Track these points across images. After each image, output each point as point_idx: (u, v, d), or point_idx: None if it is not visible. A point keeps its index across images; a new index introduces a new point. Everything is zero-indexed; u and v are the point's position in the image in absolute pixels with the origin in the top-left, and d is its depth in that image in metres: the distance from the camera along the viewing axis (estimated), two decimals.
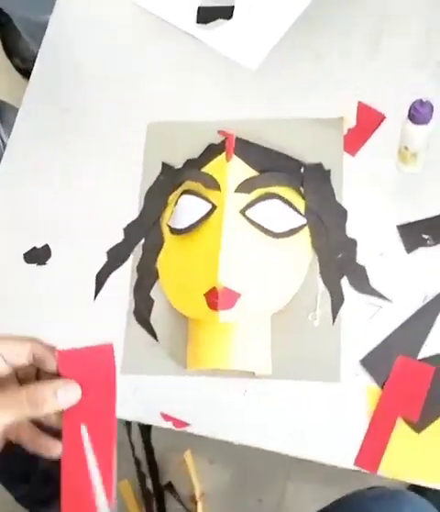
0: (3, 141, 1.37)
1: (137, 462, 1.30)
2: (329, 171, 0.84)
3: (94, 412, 0.51)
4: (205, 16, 0.98)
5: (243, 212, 0.78)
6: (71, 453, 0.50)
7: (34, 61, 1.68)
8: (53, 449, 0.53)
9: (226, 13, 0.98)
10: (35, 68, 0.98)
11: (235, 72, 0.92)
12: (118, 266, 0.85)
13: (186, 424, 0.78)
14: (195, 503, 1.30)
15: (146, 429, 1.30)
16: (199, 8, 0.98)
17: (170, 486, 1.32)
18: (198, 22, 0.98)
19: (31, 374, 0.55)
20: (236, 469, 1.34)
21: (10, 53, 1.78)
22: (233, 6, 0.97)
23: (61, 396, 0.50)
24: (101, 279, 0.85)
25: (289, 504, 1.35)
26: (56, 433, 0.53)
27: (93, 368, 0.51)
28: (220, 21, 0.97)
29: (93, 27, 0.99)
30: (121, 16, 0.99)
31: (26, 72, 1.74)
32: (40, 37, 1.03)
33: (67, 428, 0.51)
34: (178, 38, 0.95)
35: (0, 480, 1.18)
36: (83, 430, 0.50)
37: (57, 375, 0.52)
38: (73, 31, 1.00)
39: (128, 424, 1.31)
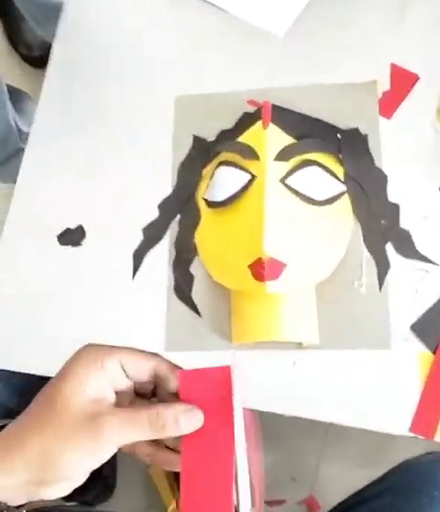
0: (19, 129, 1.36)
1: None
2: (366, 135, 0.82)
3: (212, 435, 0.49)
4: None
5: (283, 181, 0.76)
6: (189, 475, 0.49)
7: (41, 48, 1.67)
8: (176, 463, 0.52)
9: None
10: (54, 49, 0.96)
11: (261, 40, 0.90)
12: (155, 244, 0.83)
13: None
14: None
15: None
16: None
17: None
18: None
19: (148, 389, 0.55)
20: (271, 447, 1.33)
21: (15, 43, 1.76)
22: None
23: (183, 423, 0.49)
24: (138, 257, 0.83)
25: (322, 483, 1.34)
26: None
27: (213, 389, 0.50)
28: None
29: (112, 3, 0.97)
30: None
31: (33, 61, 1.72)
32: (50, 20, 1.01)
33: (185, 451, 0.50)
34: (201, 8, 0.93)
35: None
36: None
37: (175, 395, 0.52)
38: (92, 8, 0.97)
39: None
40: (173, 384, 0.52)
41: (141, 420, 0.48)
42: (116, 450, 0.48)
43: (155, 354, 0.53)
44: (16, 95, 1.46)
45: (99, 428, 0.47)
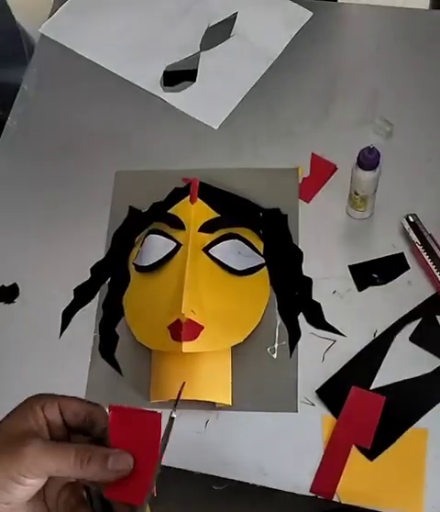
0: None
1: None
2: (286, 215, 0.90)
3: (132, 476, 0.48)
4: (171, 79, 1.06)
5: (206, 250, 0.83)
6: None
7: None
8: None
9: (190, 76, 1.06)
10: (8, 120, 1.04)
11: (199, 127, 0.99)
12: (84, 304, 0.88)
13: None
14: None
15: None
16: (165, 72, 1.06)
17: None
18: (165, 85, 1.06)
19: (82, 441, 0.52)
20: None
21: None
22: (196, 70, 1.06)
23: (111, 464, 0.47)
24: (67, 316, 0.88)
25: None
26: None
27: (141, 432, 0.50)
28: (185, 84, 1.06)
29: (68, 85, 1.06)
30: (94, 75, 1.06)
31: None
32: (4, 95, 1.08)
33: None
34: (148, 98, 1.03)
35: None
36: None
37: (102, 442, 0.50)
38: (48, 87, 1.06)
39: None
40: (101, 428, 0.51)
41: (67, 448, 0.47)
42: (38, 483, 0.47)
43: (96, 405, 0.52)
44: None
45: (24, 446, 0.46)
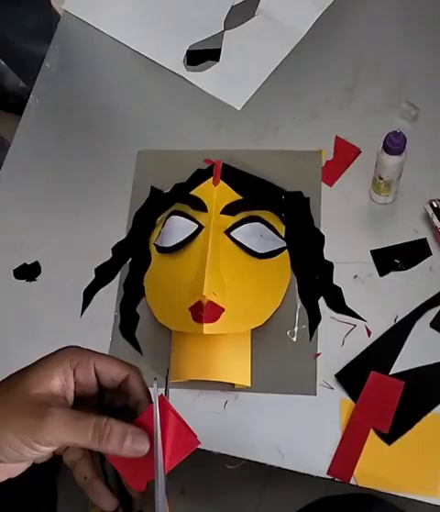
0: None
1: (110, 491, 1.30)
2: (308, 198, 0.90)
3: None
4: (194, 58, 1.05)
5: (228, 232, 0.83)
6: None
7: (19, 95, 1.73)
8: (104, 499, 0.51)
9: (214, 55, 1.05)
10: (30, 98, 1.04)
11: (221, 107, 0.99)
12: (105, 283, 0.89)
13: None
14: None
15: None
16: (188, 51, 1.05)
17: None
18: (188, 64, 1.05)
19: (116, 405, 0.52)
20: (207, 499, 1.35)
21: None
22: (220, 49, 1.05)
23: (128, 443, 0.47)
24: (88, 295, 0.88)
25: None
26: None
27: (171, 435, 0.49)
28: (208, 63, 1.05)
29: (90, 63, 1.06)
30: (116, 53, 1.05)
31: (8, 107, 1.78)
32: (31, 69, 1.08)
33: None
34: (168, 76, 1.02)
35: None
36: None
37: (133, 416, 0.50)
38: (71, 64, 1.06)
39: (101, 453, 1.31)
40: (137, 396, 0.50)
41: (86, 423, 0.46)
42: (51, 449, 0.48)
43: (134, 367, 0.51)
44: None
45: (43, 416, 0.46)
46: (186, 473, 1.31)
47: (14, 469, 0.50)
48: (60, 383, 0.48)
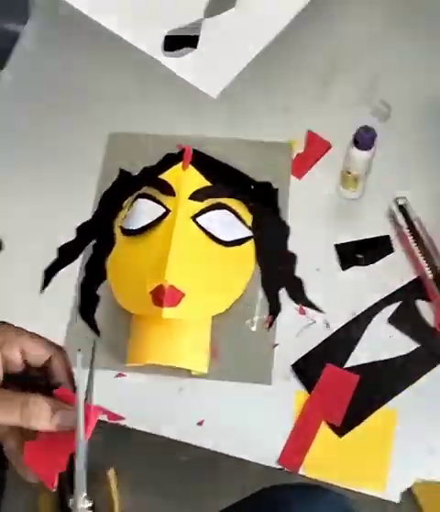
0: None
1: (60, 479, 1.29)
2: (277, 190, 0.90)
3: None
4: (172, 44, 1.05)
5: (194, 218, 0.83)
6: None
7: None
8: (26, 474, 0.51)
9: (192, 42, 1.04)
10: (3, 72, 1.02)
11: (197, 94, 0.98)
12: (67, 263, 0.88)
13: (121, 417, 0.80)
14: None
15: None
16: (166, 36, 1.05)
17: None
18: (165, 50, 1.04)
19: (40, 383, 0.53)
20: (159, 490, 1.34)
21: None
22: (198, 36, 1.04)
23: (56, 420, 0.48)
24: (49, 274, 0.87)
25: None
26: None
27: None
28: (186, 50, 1.04)
29: (66, 42, 1.04)
30: (94, 34, 1.04)
31: None
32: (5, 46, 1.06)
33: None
34: (145, 60, 1.01)
35: None
36: None
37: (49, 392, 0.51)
38: (47, 43, 1.04)
39: None
40: (59, 378, 0.52)
41: (15, 402, 0.48)
42: None
43: (59, 348, 0.53)
44: None
45: None
46: (138, 463, 1.32)
47: None
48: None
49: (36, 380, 0.53)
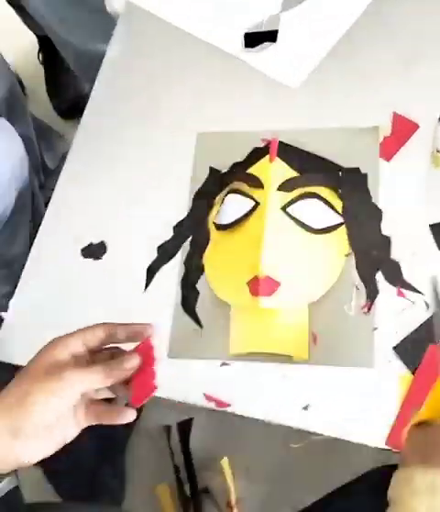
0: (44, 164, 1.44)
1: (176, 468, 1.34)
2: (366, 174, 0.90)
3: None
4: (252, 41, 1.07)
5: (284, 209, 0.84)
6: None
7: (72, 101, 1.71)
8: (128, 414, 0.64)
9: (271, 37, 1.06)
10: (95, 85, 1.08)
11: (278, 86, 1.00)
12: (167, 261, 0.92)
13: (228, 404, 0.83)
14: (231, 509, 1.32)
15: (185, 435, 1.35)
16: (246, 34, 1.07)
17: (206, 492, 1.35)
18: (246, 47, 1.06)
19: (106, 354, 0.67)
20: (272, 476, 1.37)
21: (51, 93, 1.79)
22: (277, 31, 1.06)
23: (125, 365, 0.63)
24: (151, 272, 0.92)
25: None
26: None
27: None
28: (265, 45, 1.06)
29: (148, 47, 1.09)
30: (174, 38, 1.08)
31: (62, 112, 1.75)
32: (93, 68, 1.12)
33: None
34: (225, 57, 1.04)
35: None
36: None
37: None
38: (131, 52, 1.09)
39: (168, 430, 1.36)
40: (122, 334, 0.66)
41: (96, 368, 0.61)
42: (73, 397, 0.60)
43: (102, 323, 0.66)
44: (47, 132, 1.57)
45: (61, 371, 0.60)
46: (251, 451, 1.35)
47: (61, 436, 0.62)
48: (60, 357, 0.62)
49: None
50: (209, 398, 0.83)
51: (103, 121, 1.05)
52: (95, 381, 0.61)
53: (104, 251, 0.95)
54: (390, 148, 0.92)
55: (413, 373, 0.80)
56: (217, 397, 0.83)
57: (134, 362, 0.64)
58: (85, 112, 1.06)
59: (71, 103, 1.71)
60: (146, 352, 0.65)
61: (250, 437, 1.29)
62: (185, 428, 1.34)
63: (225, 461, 1.35)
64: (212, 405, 0.83)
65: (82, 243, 0.96)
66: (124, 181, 0.99)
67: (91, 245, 0.95)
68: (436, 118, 0.80)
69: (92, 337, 0.65)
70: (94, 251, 0.95)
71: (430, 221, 0.87)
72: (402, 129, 0.93)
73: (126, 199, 0.98)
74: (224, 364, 0.85)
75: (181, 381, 0.84)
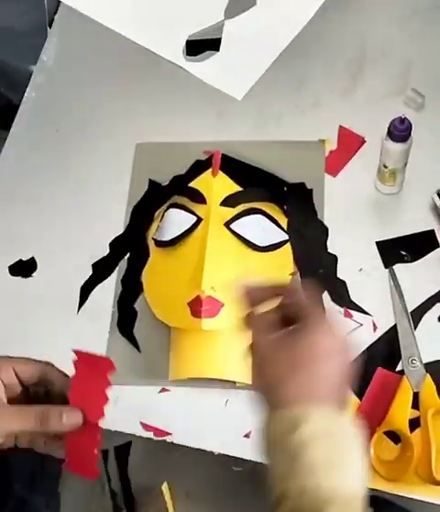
0: None
1: (113, 495, 1.29)
2: (311, 190, 0.87)
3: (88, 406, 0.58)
4: (194, 48, 1.03)
5: (227, 225, 0.80)
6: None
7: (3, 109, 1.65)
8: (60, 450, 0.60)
9: (214, 46, 1.02)
10: (27, 91, 1.02)
11: (222, 97, 0.96)
12: (103, 279, 0.86)
13: (167, 433, 0.78)
14: None
15: (123, 461, 1.29)
16: (187, 41, 1.03)
17: None
18: (187, 54, 1.02)
19: (40, 394, 0.62)
20: (214, 500, 1.32)
21: None
22: (220, 39, 1.02)
23: (65, 420, 0.57)
24: (85, 291, 0.86)
25: None
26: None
27: (94, 377, 0.58)
28: (208, 53, 1.02)
29: (86, 54, 1.04)
30: (113, 45, 1.03)
31: None
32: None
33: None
34: (167, 66, 0.99)
35: None
36: None
37: (64, 398, 0.59)
38: (67, 57, 1.04)
39: (105, 456, 1.30)
40: (58, 384, 0.60)
41: (30, 415, 0.56)
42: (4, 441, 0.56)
43: (46, 362, 0.60)
44: None
45: None
46: (191, 475, 1.30)
47: None
48: None
49: (35, 393, 0.61)
50: (147, 427, 0.78)
51: (33, 132, 0.99)
52: (28, 427, 0.56)
53: (35, 269, 0.88)
54: (336, 162, 0.89)
55: (360, 398, 0.77)
56: (156, 426, 0.78)
57: (74, 420, 0.57)
58: (14, 122, 1.00)
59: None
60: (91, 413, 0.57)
61: (190, 460, 1.25)
62: (123, 452, 1.29)
63: (164, 486, 1.30)
64: (150, 434, 0.78)
65: (9, 260, 0.89)
66: (57, 192, 0.93)
67: (20, 262, 0.89)
68: (383, 133, 0.78)
69: (24, 368, 0.60)
70: (24, 269, 0.88)
71: (376, 238, 0.84)
72: (349, 143, 0.90)
73: (60, 212, 0.92)
74: (163, 390, 0.80)
75: (118, 409, 0.78)
